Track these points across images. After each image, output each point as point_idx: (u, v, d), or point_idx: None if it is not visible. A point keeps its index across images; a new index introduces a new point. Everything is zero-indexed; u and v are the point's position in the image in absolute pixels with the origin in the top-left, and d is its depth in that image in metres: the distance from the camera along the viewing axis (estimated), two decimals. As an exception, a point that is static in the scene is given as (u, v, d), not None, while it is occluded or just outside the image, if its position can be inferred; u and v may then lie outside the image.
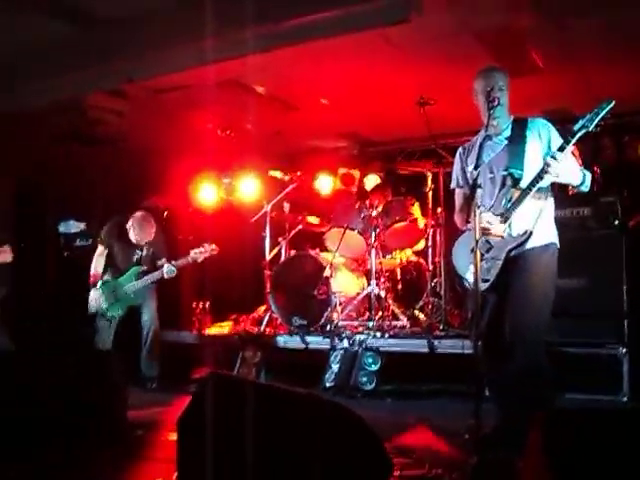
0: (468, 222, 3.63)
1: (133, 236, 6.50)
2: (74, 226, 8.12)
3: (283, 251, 7.45)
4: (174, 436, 3.60)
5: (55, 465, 3.62)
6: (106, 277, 6.52)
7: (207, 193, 8.48)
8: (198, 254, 6.41)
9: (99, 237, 6.66)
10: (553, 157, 3.61)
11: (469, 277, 3.94)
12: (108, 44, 5.62)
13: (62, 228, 8.20)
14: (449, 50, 5.40)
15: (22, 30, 5.56)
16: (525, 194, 3.74)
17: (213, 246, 6.45)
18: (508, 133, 3.95)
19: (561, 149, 3.63)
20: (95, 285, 6.45)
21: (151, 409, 5.40)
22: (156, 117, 7.13)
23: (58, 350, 6.47)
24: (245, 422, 2.62)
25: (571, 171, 3.73)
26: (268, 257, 7.47)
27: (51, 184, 9.67)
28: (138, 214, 6.55)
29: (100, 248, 6.60)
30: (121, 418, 4.43)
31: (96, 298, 6.40)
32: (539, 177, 3.68)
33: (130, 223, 6.50)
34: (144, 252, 6.54)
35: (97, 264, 6.55)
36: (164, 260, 6.45)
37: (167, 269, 6.34)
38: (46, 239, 9.39)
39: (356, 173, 7.93)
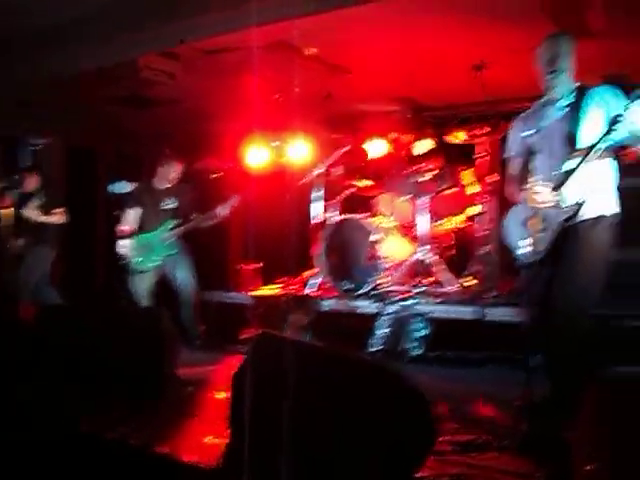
0: (522, 189, 3.53)
1: (157, 180, 6.64)
2: (125, 187, 8.24)
3: (333, 215, 7.42)
4: (224, 394, 3.66)
5: (107, 418, 3.69)
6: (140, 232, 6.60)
7: (257, 156, 8.47)
8: (225, 209, 6.53)
9: (130, 200, 6.74)
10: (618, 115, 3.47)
11: (521, 250, 3.88)
12: (160, 6, 5.62)
13: (113, 189, 8.33)
14: (505, 9, 5.20)
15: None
16: (580, 163, 3.58)
17: (234, 199, 6.59)
18: (570, 100, 3.79)
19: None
20: (129, 235, 6.52)
21: (200, 367, 5.49)
22: (207, 80, 7.11)
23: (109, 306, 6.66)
24: (295, 382, 2.64)
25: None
26: (317, 221, 7.46)
27: (102, 146, 9.83)
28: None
29: (132, 209, 6.65)
30: (172, 375, 4.51)
31: (129, 248, 6.47)
32: (594, 145, 3.54)
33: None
34: (175, 207, 6.56)
35: (129, 220, 6.59)
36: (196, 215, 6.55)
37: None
38: (97, 200, 9.57)
39: (408, 138, 7.82)
